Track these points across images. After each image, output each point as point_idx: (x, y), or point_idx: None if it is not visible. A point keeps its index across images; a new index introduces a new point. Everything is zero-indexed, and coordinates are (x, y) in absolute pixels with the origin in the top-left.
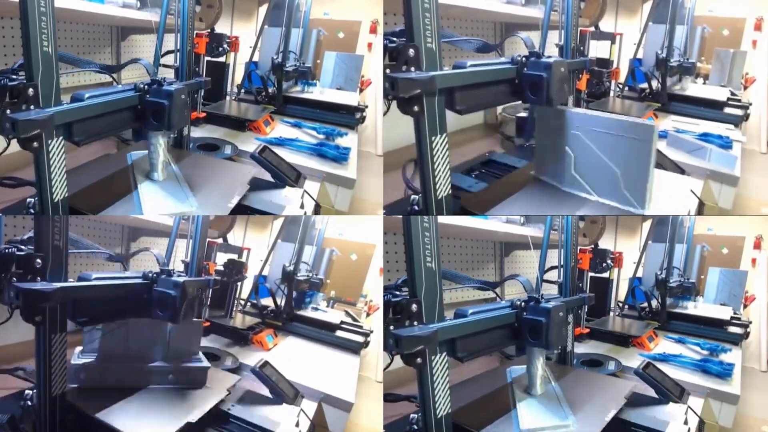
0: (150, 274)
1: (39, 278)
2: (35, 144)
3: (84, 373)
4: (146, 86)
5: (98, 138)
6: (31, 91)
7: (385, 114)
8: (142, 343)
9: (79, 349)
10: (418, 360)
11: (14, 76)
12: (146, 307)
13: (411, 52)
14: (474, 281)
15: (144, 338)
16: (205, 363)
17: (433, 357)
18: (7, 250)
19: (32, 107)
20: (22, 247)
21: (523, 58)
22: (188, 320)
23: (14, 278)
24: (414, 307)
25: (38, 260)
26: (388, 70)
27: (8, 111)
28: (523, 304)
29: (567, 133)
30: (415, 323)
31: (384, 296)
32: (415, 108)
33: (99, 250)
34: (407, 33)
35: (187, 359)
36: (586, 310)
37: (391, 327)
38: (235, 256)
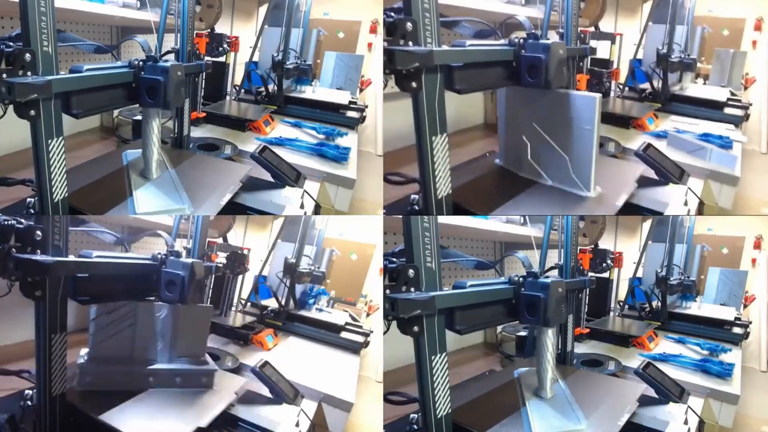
0: (159, 255)
1: (39, 251)
2: (32, 112)
3: (89, 377)
4: (141, 63)
5: (97, 112)
6: (28, 56)
7: (384, 88)
8: (147, 345)
9: (84, 350)
10: (415, 328)
11: (11, 43)
12: (152, 288)
13: (409, 25)
14: (471, 259)
15: (150, 340)
16: (212, 365)
17: (430, 326)
18: (6, 222)
19: (29, 73)
20: (21, 220)
21: (521, 40)
22: (195, 303)
23: (13, 250)
24: (411, 272)
25: (38, 232)
26: (386, 44)
27: (4, 75)
28: (521, 279)
29: (523, 124)
30: (412, 289)
31: (383, 263)
32: (414, 84)
33: (102, 230)
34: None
35: (194, 361)
36: (586, 310)
37: (388, 291)
38: None
